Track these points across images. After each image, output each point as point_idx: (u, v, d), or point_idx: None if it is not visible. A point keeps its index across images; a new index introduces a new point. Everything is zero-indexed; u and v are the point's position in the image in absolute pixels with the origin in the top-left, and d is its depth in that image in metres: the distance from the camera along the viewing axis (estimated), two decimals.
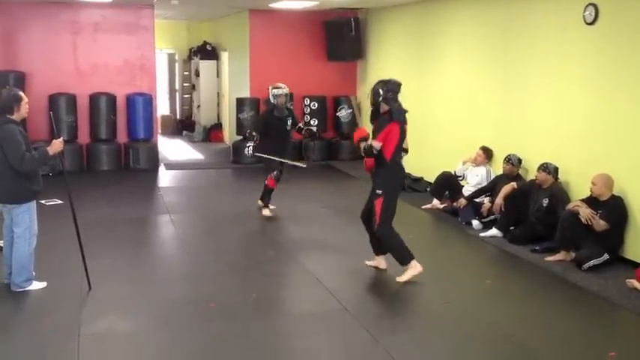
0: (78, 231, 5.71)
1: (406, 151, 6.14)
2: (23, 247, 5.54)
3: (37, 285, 5.66)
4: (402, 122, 5.84)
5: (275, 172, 8.24)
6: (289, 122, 8.35)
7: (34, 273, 5.68)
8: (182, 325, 5.07)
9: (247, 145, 8.25)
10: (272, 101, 8.26)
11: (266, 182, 8.30)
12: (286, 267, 6.61)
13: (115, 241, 7.31)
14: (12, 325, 5.04)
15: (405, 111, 5.91)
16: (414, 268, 5.91)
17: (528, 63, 7.90)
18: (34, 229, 5.62)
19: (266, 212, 8.35)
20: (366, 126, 6.29)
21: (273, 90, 8.26)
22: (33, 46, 11.39)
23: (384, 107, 5.83)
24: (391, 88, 5.84)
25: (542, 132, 7.65)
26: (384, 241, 6.06)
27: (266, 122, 8.30)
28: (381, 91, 5.83)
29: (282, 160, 8.31)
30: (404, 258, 5.95)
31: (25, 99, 5.47)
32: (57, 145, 5.47)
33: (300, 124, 8.69)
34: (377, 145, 5.77)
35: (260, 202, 8.49)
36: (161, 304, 5.51)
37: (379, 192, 5.91)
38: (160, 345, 4.81)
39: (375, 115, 5.94)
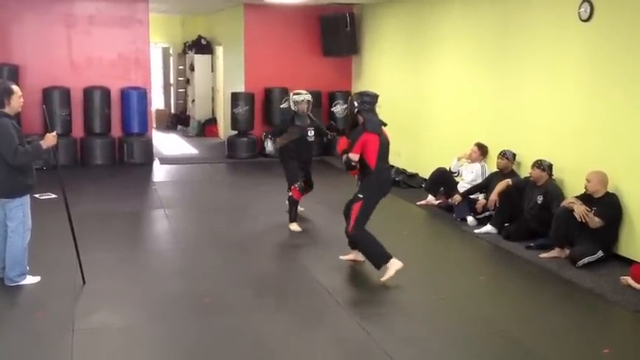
0: (72, 226, 5.68)
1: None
2: (17, 241, 5.51)
3: (30, 279, 5.64)
4: (377, 132, 5.81)
5: (299, 182, 7.56)
6: (311, 133, 7.60)
7: (27, 267, 5.66)
8: (176, 319, 5.06)
9: (266, 142, 7.66)
10: (293, 108, 7.54)
11: (290, 194, 7.57)
12: (281, 262, 6.61)
13: (109, 235, 7.28)
14: (6, 320, 5.01)
15: (381, 123, 5.91)
16: (393, 266, 5.83)
17: (524, 59, 7.90)
18: (28, 223, 5.60)
19: (294, 227, 7.56)
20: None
21: (294, 96, 7.55)
22: (27, 40, 11.33)
23: (359, 119, 5.87)
24: (366, 99, 5.88)
25: (537, 129, 7.66)
26: (359, 244, 6.07)
27: (285, 130, 7.59)
28: (355, 103, 5.89)
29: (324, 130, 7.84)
30: (379, 261, 5.87)
31: (19, 92, 5.40)
32: (50, 139, 5.44)
33: (326, 130, 8.05)
34: (354, 157, 5.78)
35: (293, 225, 7.67)
36: (155, 298, 5.50)
37: (360, 196, 5.90)
38: (153, 339, 4.80)
39: (353, 126, 5.97)
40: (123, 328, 4.95)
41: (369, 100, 5.90)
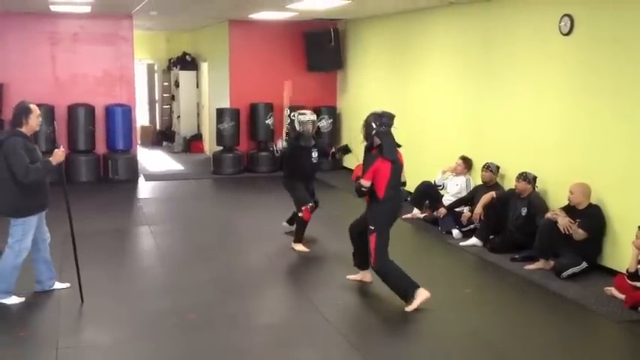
0: (74, 245, 5.68)
1: (404, 184, 5.91)
2: (9, 257, 5.52)
3: (14, 300, 5.59)
4: (393, 159, 5.57)
5: (310, 204, 7.33)
6: (315, 154, 7.42)
7: (12, 287, 5.61)
8: (162, 337, 5.04)
9: (277, 146, 7.48)
10: (297, 129, 7.32)
11: (300, 215, 7.32)
12: (267, 278, 6.59)
13: (93, 253, 7.21)
14: None
15: (398, 145, 5.69)
16: (420, 296, 5.54)
17: (506, 73, 7.98)
18: (26, 243, 5.56)
19: (300, 248, 7.35)
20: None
21: (300, 116, 7.32)
22: (11, 57, 11.29)
23: (376, 141, 5.60)
24: (384, 121, 5.58)
25: (521, 141, 7.72)
26: (383, 278, 5.73)
27: (291, 153, 7.38)
28: (374, 125, 5.57)
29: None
30: (406, 294, 5.56)
31: (37, 112, 5.49)
32: (59, 155, 5.50)
33: (333, 150, 7.69)
34: (365, 183, 5.55)
35: (286, 224, 7.72)
36: (140, 316, 5.47)
37: (372, 228, 5.65)
38: (139, 357, 4.77)
39: (368, 150, 5.70)
40: (108, 346, 4.92)
41: (387, 122, 5.60)
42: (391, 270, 5.62)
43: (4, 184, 5.40)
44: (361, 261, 6.09)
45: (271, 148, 7.59)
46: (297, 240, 7.39)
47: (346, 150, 7.60)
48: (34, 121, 5.47)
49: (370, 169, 5.56)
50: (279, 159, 7.66)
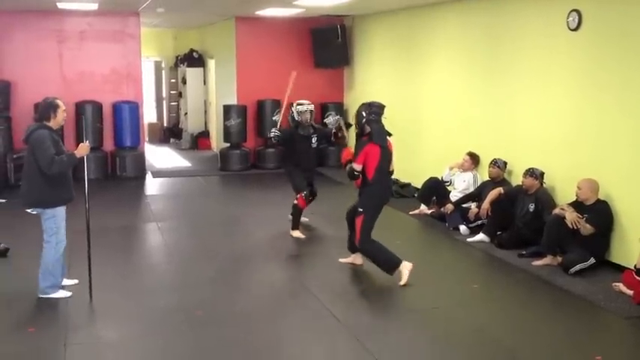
0: (89, 239, 5.71)
1: (391, 172, 6.34)
2: (49, 252, 5.60)
3: (62, 294, 5.66)
4: (382, 144, 6.01)
5: (305, 192, 7.69)
6: (314, 140, 7.86)
7: (60, 280, 5.69)
8: (169, 333, 5.05)
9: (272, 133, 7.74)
10: (296, 118, 7.75)
11: (295, 202, 7.71)
12: (273, 274, 6.60)
13: (101, 250, 7.20)
14: None
15: (388, 133, 6.10)
16: (405, 268, 6.01)
17: (514, 69, 7.96)
18: (61, 235, 5.67)
19: (297, 234, 7.72)
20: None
21: (297, 107, 7.77)
22: (18, 55, 11.34)
23: (367, 129, 6.04)
24: (374, 110, 6.05)
25: (528, 137, 7.70)
26: (367, 256, 6.23)
27: (290, 139, 7.78)
28: (364, 113, 6.05)
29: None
30: (390, 267, 6.06)
31: (63, 107, 5.64)
32: (84, 149, 5.68)
33: (334, 130, 7.88)
34: (357, 166, 6.00)
35: (291, 216, 7.86)
36: (148, 312, 5.49)
37: (360, 210, 6.09)
38: (147, 353, 4.79)
39: (359, 136, 6.13)
40: (116, 342, 4.94)
41: (377, 110, 6.06)
42: (374, 249, 6.10)
43: (30, 176, 5.54)
44: (353, 244, 6.47)
45: (270, 136, 7.80)
46: (294, 227, 7.75)
47: (347, 125, 8.03)
48: (61, 116, 5.64)
49: (361, 153, 5.98)
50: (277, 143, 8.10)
